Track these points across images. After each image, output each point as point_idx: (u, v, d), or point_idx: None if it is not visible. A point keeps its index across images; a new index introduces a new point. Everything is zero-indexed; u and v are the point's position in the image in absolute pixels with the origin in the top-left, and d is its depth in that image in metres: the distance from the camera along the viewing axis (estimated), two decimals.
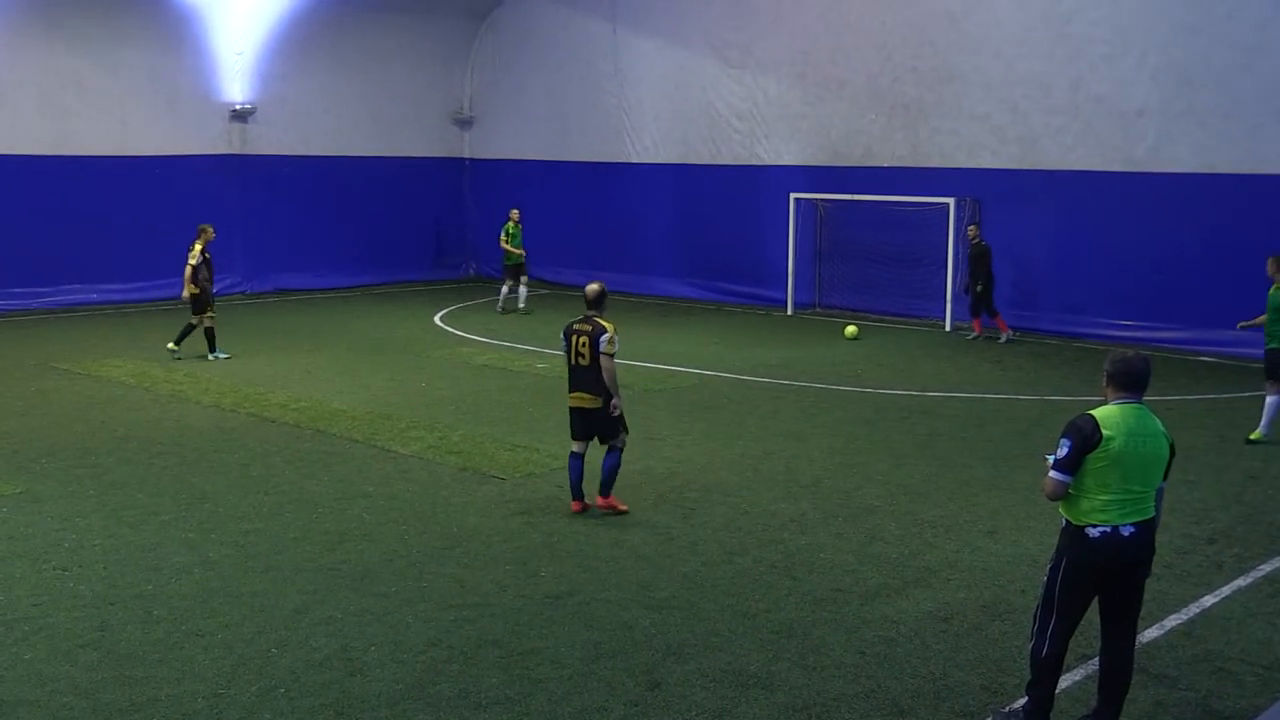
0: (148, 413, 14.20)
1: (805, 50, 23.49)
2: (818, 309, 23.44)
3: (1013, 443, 12.99)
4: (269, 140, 26.36)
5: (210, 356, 17.57)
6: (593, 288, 10.25)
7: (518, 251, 23.17)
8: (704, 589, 8.53)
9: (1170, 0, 19.12)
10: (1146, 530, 6.22)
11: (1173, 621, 7.98)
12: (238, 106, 25.78)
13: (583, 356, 9.98)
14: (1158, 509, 6.30)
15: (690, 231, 25.77)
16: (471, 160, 29.86)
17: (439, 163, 29.33)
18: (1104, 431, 6.09)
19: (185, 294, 17.51)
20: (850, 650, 7.47)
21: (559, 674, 7.09)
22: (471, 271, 29.88)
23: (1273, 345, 12.80)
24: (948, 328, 21.18)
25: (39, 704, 6.68)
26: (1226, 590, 8.60)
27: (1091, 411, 6.23)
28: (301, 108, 26.72)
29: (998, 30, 20.93)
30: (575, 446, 10.26)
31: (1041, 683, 6.36)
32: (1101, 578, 6.24)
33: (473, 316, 23.07)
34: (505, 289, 23.45)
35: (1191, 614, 8.13)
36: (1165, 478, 6.32)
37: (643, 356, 17.65)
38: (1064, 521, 6.31)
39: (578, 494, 10.27)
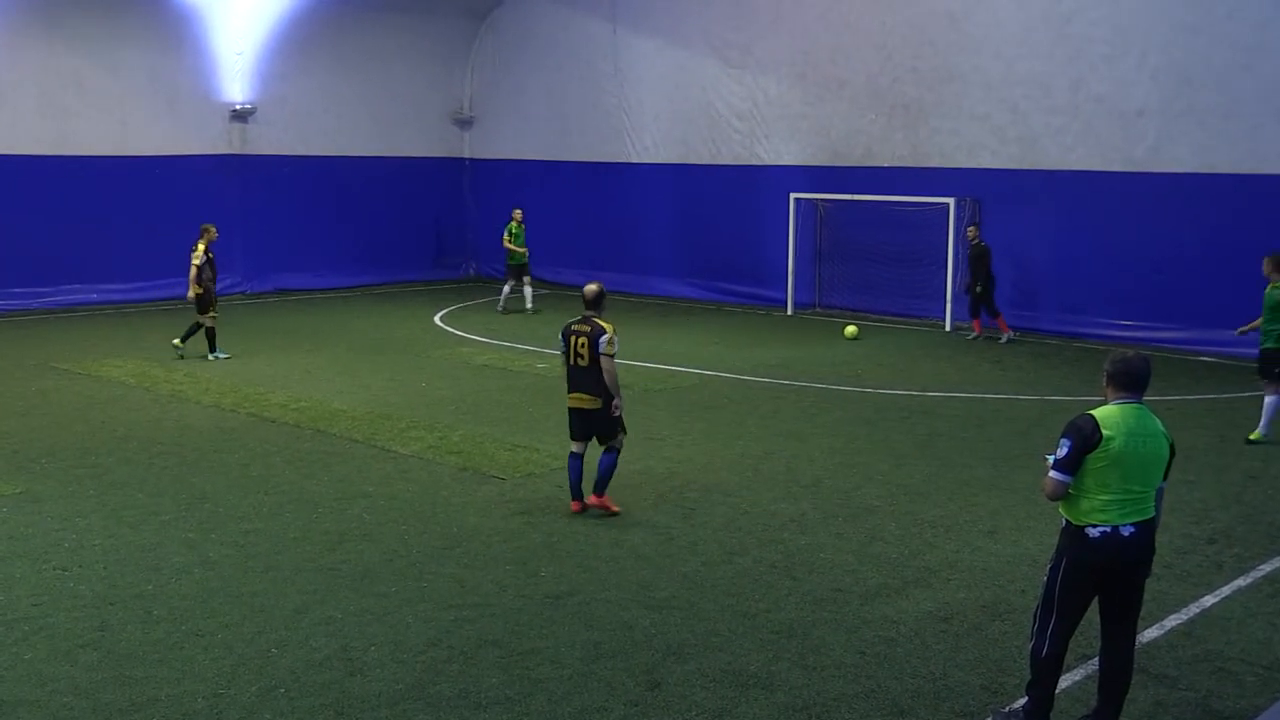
0: (148, 413, 14.20)
1: (805, 50, 23.50)
2: (818, 309, 23.44)
3: (1013, 443, 12.99)
4: (269, 140, 26.36)
5: (210, 356, 17.57)
6: (591, 288, 10.23)
7: (521, 251, 23.17)
8: (704, 589, 8.53)
9: (1170, 0, 19.12)
10: (1146, 530, 6.22)
11: (1173, 621, 7.98)
12: (238, 106, 25.78)
13: (582, 357, 9.98)
14: (1158, 509, 6.31)
15: (690, 231, 25.77)
16: (471, 160, 29.87)
17: (439, 163, 29.33)
18: (1104, 431, 6.09)
19: (191, 294, 17.52)
20: (850, 650, 7.48)
21: (559, 674, 7.09)
22: (471, 271, 29.88)
23: (1268, 345, 12.80)
24: (948, 328, 21.18)
25: (39, 704, 6.68)
26: (1226, 590, 8.60)
27: (1091, 411, 6.23)
28: (301, 108, 26.72)
29: (998, 30, 20.94)
30: (574, 447, 10.27)
31: (1041, 683, 6.36)
32: (1101, 578, 6.24)
33: (473, 316, 23.08)
34: (507, 289, 23.45)
35: (1191, 614, 8.13)
36: (1165, 478, 6.32)
37: (643, 356, 17.65)
38: (1064, 521, 6.31)
39: (577, 494, 10.27)
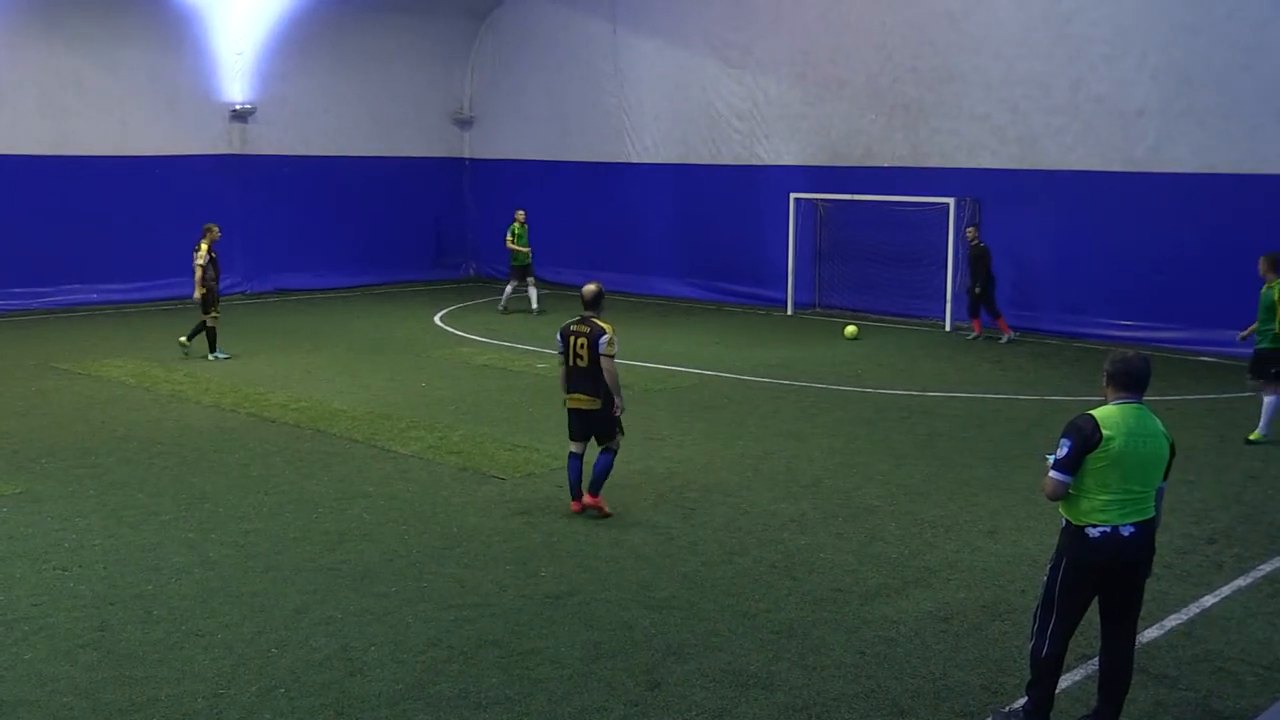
0: (148, 413, 14.20)
1: (805, 50, 23.50)
2: (818, 309, 23.44)
3: (1013, 443, 12.99)
4: (269, 140, 26.36)
5: (210, 356, 17.57)
6: (590, 288, 10.21)
7: (524, 251, 23.17)
8: (704, 589, 8.53)
9: (1170, 0, 19.12)
10: (1146, 530, 6.22)
11: (1173, 621, 7.98)
12: (238, 106, 25.78)
13: (581, 358, 9.97)
14: (1158, 509, 6.31)
15: (690, 231, 25.78)
16: (471, 160, 29.87)
17: (439, 163, 29.33)
18: (1104, 431, 6.09)
19: (196, 294, 17.52)
20: (850, 650, 7.48)
21: (559, 674, 7.09)
22: (471, 271, 29.89)
23: (1263, 345, 12.81)
24: (948, 328, 21.18)
25: (39, 704, 6.68)
26: (1226, 590, 8.60)
27: (1091, 411, 6.23)
28: (301, 108, 26.72)
29: (998, 30, 20.94)
30: (574, 447, 10.27)
31: (1041, 683, 6.37)
32: (1101, 578, 6.24)
33: (473, 316, 23.08)
34: (509, 289, 23.46)
35: (1191, 614, 8.14)
36: (1165, 478, 6.32)
37: (643, 356, 17.65)
38: (1064, 521, 6.31)
39: (576, 494, 10.27)
